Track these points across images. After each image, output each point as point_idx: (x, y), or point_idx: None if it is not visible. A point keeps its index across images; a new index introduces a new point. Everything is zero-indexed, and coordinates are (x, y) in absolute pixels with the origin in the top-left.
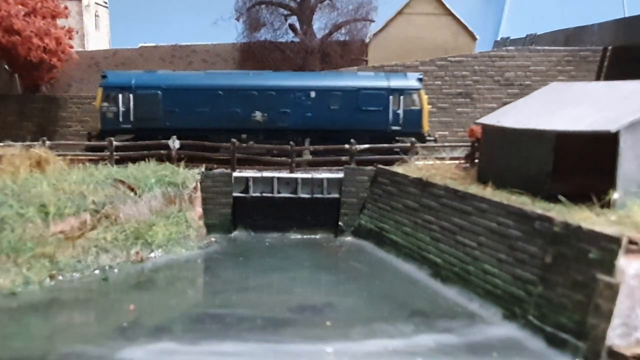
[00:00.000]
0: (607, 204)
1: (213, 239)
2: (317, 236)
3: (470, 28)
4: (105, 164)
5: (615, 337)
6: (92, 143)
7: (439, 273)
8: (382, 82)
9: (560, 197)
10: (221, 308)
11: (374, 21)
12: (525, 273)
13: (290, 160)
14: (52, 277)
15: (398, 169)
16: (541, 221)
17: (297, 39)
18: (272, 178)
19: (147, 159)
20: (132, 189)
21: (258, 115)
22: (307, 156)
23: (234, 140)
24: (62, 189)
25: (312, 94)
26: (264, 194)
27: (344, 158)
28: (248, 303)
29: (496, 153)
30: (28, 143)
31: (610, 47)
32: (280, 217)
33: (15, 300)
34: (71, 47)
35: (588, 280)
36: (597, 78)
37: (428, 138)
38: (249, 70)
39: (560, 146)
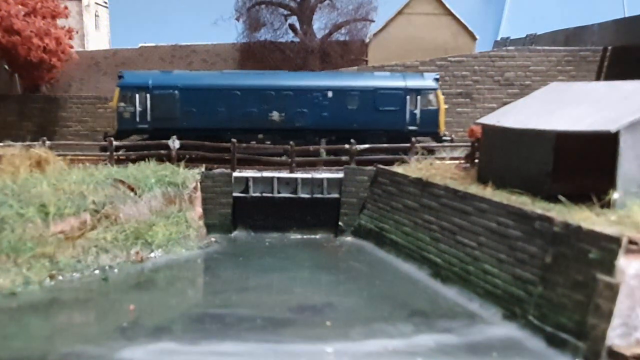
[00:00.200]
0: (607, 204)
1: (213, 239)
2: (317, 236)
3: (470, 28)
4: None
5: (615, 337)
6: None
7: (439, 273)
8: (399, 82)
9: (560, 197)
10: (221, 308)
11: (374, 21)
12: (525, 273)
13: (290, 160)
14: (52, 277)
15: (398, 169)
16: (541, 221)
17: (297, 39)
18: (272, 178)
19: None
20: (132, 189)
21: (275, 115)
22: (323, 156)
23: (234, 140)
24: (62, 189)
25: (329, 94)
26: (264, 194)
27: (344, 158)
28: (248, 303)
29: (496, 153)
30: (28, 143)
31: (610, 47)
32: (280, 217)
33: (15, 300)
34: (71, 47)
35: (588, 280)
36: (597, 78)
37: (444, 138)
38: (250, 70)
39: (560, 146)
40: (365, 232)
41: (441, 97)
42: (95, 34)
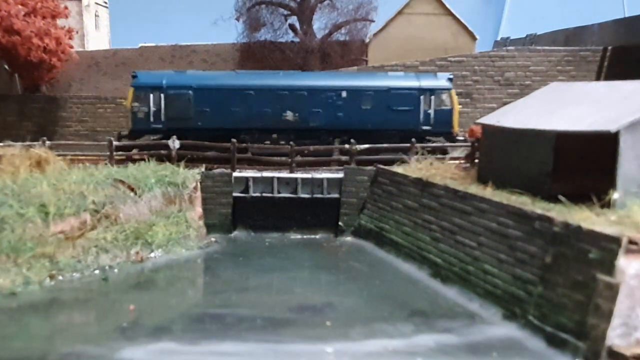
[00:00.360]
0: (607, 204)
1: (213, 239)
2: (317, 236)
3: (470, 28)
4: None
5: (615, 337)
6: (121, 143)
7: (439, 273)
8: (413, 82)
9: (560, 197)
10: (221, 308)
11: (374, 21)
12: (525, 273)
13: (290, 160)
14: (52, 277)
15: (398, 169)
16: (541, 221)
17: (297, 39)
18: (272, 178)
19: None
20: (132, 189)
21: (289, 115)
22: (337, 156)
23: (234, 140)
24: (62, 189)
25: (344, 94)
26: (264, 194)
27: (343, 158)
28: (248, 303)
29: (496, 153)
30: (28, 143)
31: (610, 47)
32: (280, 217)
33: (15, 300)
34: (71, 47)
35: (588, 280)
36: (597, 78)
37: (458, 138)
38: (250, 70)
39: (560, 146)
40: (365, 232)
41: (455, 97)
42: (95, 34)
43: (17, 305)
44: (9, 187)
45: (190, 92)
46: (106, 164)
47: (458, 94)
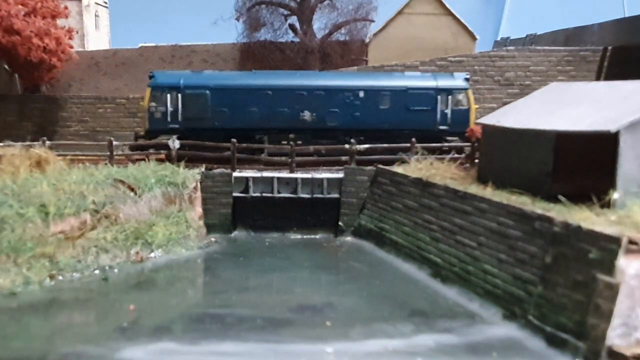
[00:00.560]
0: (607, 204)
1: (213, 239)
2: (317, 236)
3: (470, 28)
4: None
5: (615, 337)
6: (137, 142)
7: (439, 273)
8: (430, 82)
9: (560, 197)
10: (221, 308)
11: (374, 21)
12: (525, 273)
13: (290, 160)
14: (52, 277)
15: (398, 169)
16: (541, 221)
17: (297, 39)
18: (272, 178)
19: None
20: (132, 189)
21: (306, 114)
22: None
23: (233, 140)
24: (62, 189)
25: (361, 94)
26: (264, 194)
27: (343, 158)
28: (248, 303)
29: (496, 153)
30: (28, 143)
31: (610, 47)
32: (280, 217)
33: (15, 300)
34: (71, 47)
35: (588, 280)
36: (597, 78)
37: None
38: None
39: (560, 146)
40: (365, 232)
41: (472, 97)
42: (95, 34)
43: (17, 305)
44: (9, 187)
45: (208, 92)
46: (106, 164)
47: None
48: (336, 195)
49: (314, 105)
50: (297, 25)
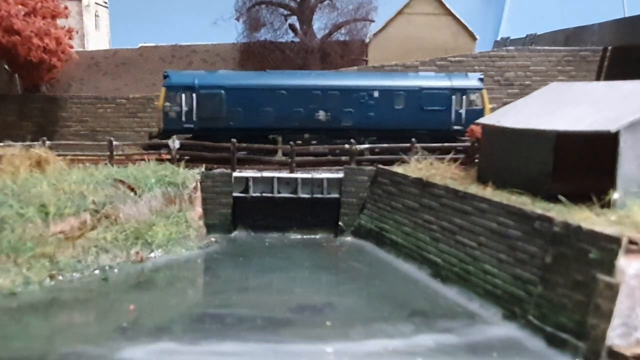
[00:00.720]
0: (607, 204)
1: (213, 239)
2: (317, 236)
3: (470, 28)
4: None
5: (615, 337)
6: (151, 142)
7: (439, 273)
8: (444, 82)
9: (560, 197)
10: (221, 308)
11: (374, 21)
12: (525, 273)
13: (290, 160)
14: (52, 277)
15: (398, 169)
16: (541, 221)
17: (297, 39)
18: (272, 178)
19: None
20: (132, 189)
21: (321, 114)
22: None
23: (234, 140)
24: (62, 189)
25: (376, 94)
26: (264, 194)
27: (343, 158)
28: (248, 303)
29: (496, 153)
30: (28, 143)
31: (610, 47)
32: (280, 217)
33: (15, 300)
34: (71, 47)
35: (588, 280)
36: (597, 78)
37: None
38: (251, 70)
39: (560, 146)
40: (365, 232)
41: (486, 97)
42: (95, 34)
43: (17, 305)
44: (9, 187)
45: (222, 92)
46: (106, 164)
47: None
48: (336, 195)
49: (328, 105)
50: (297, 25)
